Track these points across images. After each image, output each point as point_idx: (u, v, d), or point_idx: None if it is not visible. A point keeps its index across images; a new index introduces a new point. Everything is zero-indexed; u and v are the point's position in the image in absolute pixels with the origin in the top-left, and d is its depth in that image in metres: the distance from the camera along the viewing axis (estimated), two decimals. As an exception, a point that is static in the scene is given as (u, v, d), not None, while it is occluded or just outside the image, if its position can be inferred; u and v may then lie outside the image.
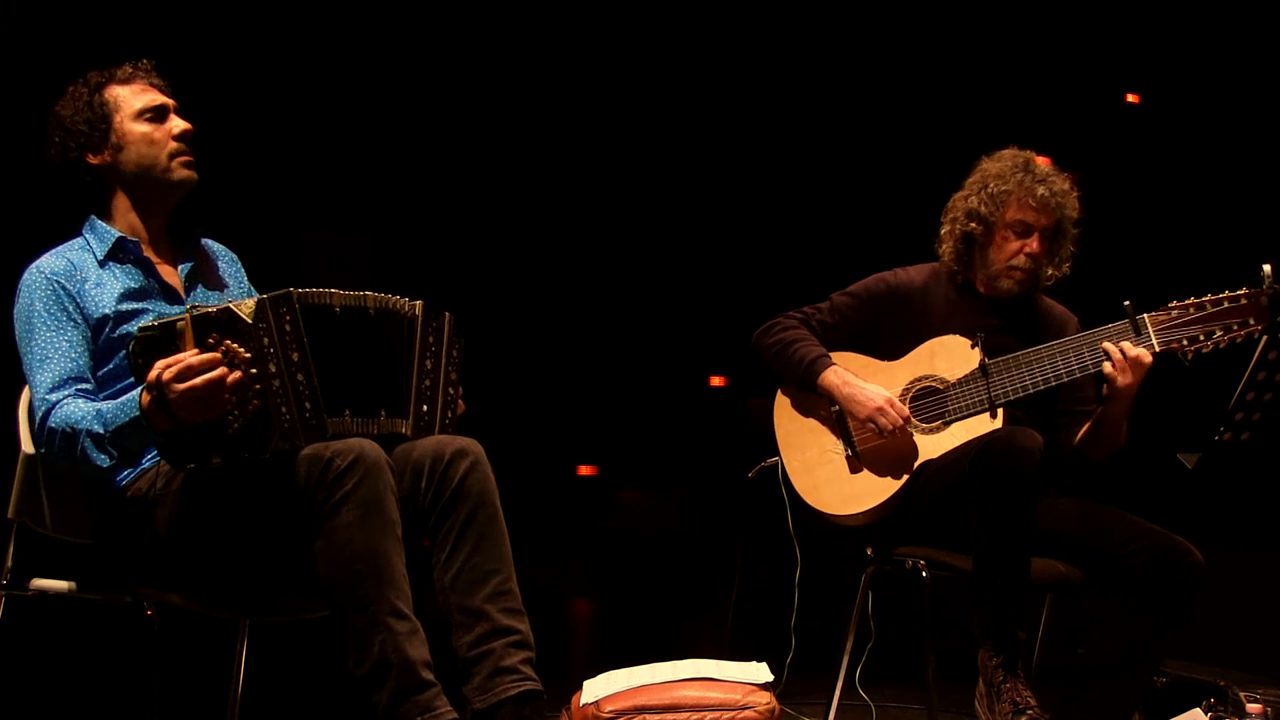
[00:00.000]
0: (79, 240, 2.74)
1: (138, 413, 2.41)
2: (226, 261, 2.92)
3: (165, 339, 2.40)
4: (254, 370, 2.39)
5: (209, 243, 2.91)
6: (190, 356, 2.36)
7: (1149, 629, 2.99)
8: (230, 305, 2.41)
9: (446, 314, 2.69)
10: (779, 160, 6.51)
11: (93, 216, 2.74)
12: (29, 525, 2.71)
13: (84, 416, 2.48)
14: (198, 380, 2.34)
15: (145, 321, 2.62)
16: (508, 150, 6.08)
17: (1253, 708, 3.14)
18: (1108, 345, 3.04)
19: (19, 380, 2.79)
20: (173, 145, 2.72)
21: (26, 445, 2.71)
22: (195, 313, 2.40)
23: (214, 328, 2.39)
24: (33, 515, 2.72)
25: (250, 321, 2.39)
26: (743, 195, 6.53)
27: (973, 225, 3.28)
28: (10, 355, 2.66)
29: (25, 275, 2.66)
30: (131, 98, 2.73)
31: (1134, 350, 3.02)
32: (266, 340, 2.40)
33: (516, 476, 2.65)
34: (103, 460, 2.47)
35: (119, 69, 2.77)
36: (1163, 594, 2.97)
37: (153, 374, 2.37)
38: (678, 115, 6.40)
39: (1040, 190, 3.22)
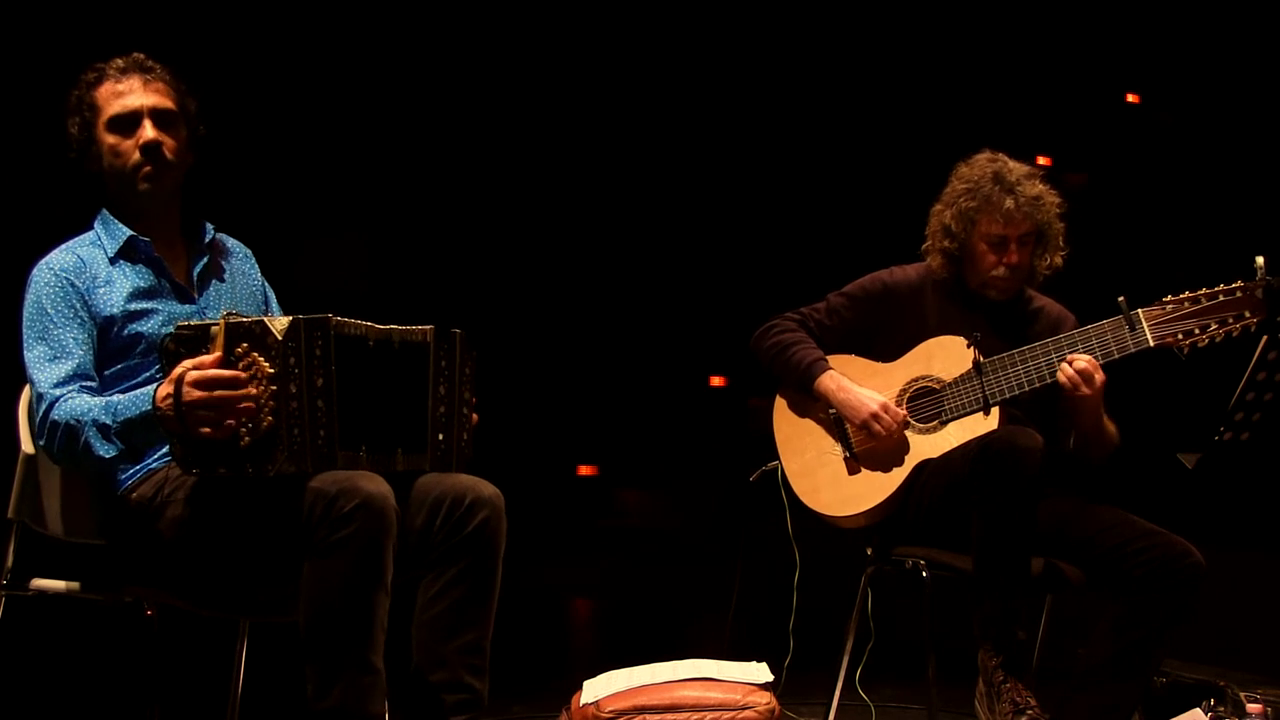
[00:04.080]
0: (90, 235, 2.69)
1: (150, 407, 2.39)
2: (240, 258, 2.88)
3: (197, 341, 2.39)
4: (274, 387, 2.36)
5: (224, 238, 2.86)
6: (218, 369, 2.35)
7: (1149, 629, 2.98)
8: (265, 319, 2.38)
9: (457, 333, 2.65)
10: (778, 160, 6.51)
11: (105, 211, 2.69)
12: (29, 525, 2.71)
13: (91, 408, 2.45)
14: (215, 392, 2.33)
15: (157, 320, 2.61)
16: (507, 151, 6.09)
17: (1253, 708, 3.14)
18: (1062, 365, 3.04)
19: (19, 380, 2.78)
20: (135, 158, 2.62)
21: (27, 445, 2.71)
22: (230, 320, 2.38)
23: (245, 338, 2.37)
24: (33, 515, 2.72)
25: (280, 339, 2.36)
26: (742, 195, 6.53)
27: (948, 243, 3.28)
28: (11, 356, 2.65)
29: (35, 271, 2.62)
30: (106, 104, 2.63)
31: (1081, 363, 3.02)
32: (293, 360, 2.37)
33: (517, 476, 2.65)
34: (107, 450, 2.44)
35: (110, 64, 2.66)
36: (1163, 594, 2.97)
37: (176, 371, 2.35)
38: (677, 116, 6.40)
39: (1008, 203, 3.19)
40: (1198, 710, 3.14)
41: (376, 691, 2.38)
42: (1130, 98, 6.74)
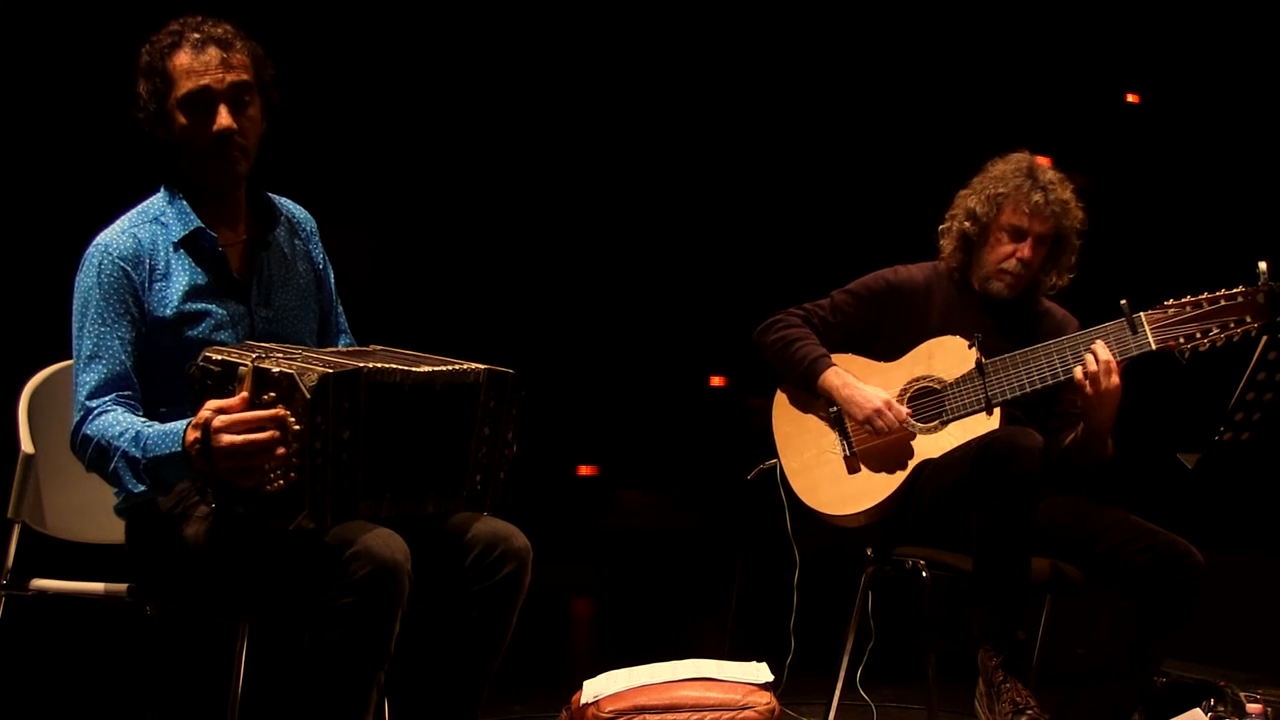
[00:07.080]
0: (153, 208, 2.55)
1: (179, 448, 2.29)
2: (304, 237, 2.72)
3: (224, 378, 2.30)
4: (297, 445, 2.26)
5: (291, 211, 2.72)
6: (248, 413, 2.24)
7: (1149, 629, 2.98)
8: (294, 373, 2.26)
9: (509, 373, 2.51)
10: (779, 160, 6.51)
11: (176, 190, 2.55)
12: (29, 525, 2.71)
13: (122, 434, 2.35)
14: (246, 436, 2.23)
15: (208, 324, 2.52)
16: (508, 149, 6.08)
17: (1253, 708, 3.14)
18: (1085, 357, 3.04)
19: (19, 380, 2.78)
20: (208, 144, 2.48)
21: (26, 445, 2.71)
22: (257, 365, 2.28)
23: (272, 388, 2.27)
24: (33, 515, 2.72)
25: (309, 398, 2.24)
26: (743, 195, 6.53)
27: (968, 225, 3.29)
28: (10, 355, 2.64)
29: (92, 250, 2.48)
30: (180, 79, 2.47)
31: (1104, 356, 3.02)
32: (320, 418, 2.26)
33: (518, 476, 2.63)
34: (136, 486, 2.36)
35: (187, 30, 2.49)
36: (1162, 594, 2.97)
37: (203, 414, 2.26)
38: (678, 115, 6.40)
39: (1036, 197, 3.21)
40: (1198, 710, 3.14)
41: None
42: (1130, 98, 6.74)
